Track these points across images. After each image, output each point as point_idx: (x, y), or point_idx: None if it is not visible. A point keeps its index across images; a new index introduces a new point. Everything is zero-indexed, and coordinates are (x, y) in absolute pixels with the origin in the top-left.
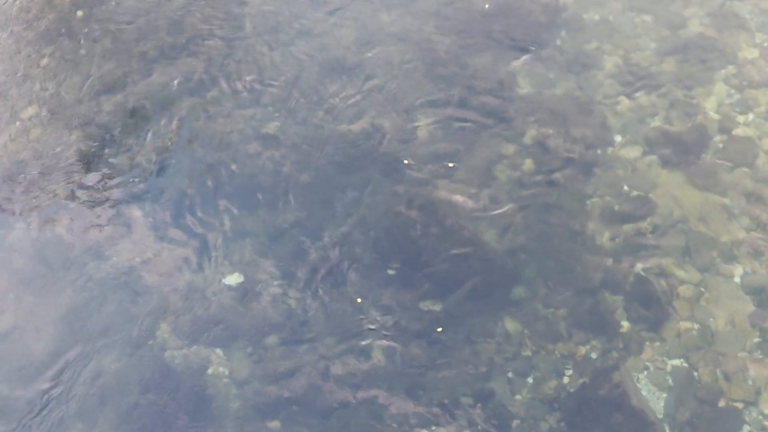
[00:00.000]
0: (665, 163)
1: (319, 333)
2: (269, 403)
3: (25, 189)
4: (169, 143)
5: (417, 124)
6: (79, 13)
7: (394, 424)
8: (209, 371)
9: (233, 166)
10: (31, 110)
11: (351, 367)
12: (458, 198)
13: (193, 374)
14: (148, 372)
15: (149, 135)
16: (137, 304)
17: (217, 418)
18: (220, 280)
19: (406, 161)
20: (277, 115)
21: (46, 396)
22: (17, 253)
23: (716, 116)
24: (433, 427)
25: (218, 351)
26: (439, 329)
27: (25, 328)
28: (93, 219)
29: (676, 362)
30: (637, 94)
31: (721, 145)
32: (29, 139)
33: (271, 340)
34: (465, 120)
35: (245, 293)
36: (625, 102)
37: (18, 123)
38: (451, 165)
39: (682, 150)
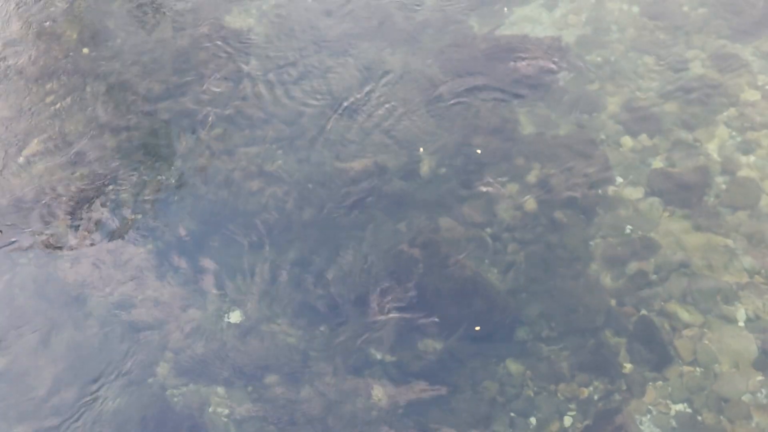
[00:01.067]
0: (667, 203)
1: (320, 371)
2: None
3: (27, 224)
4: (173, 181)
5: (420, 161)
6: (85, 50)
7: None
8: (209, 410)
9: (237, 204)
10: (35, 146)
11: (352, 407)
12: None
13: (193, 413)
14: (148, 410)
15: (153, 172)
16: (137, 341)
17: None
18: (222, 318)
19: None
20: (280, 152)
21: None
22: (18, 290)
23: (718, 158)
24: None
25: (218, 389)
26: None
27: (26, 365)
28: (95, 256)
29: (680, 406)
30: (639, 135)
31: (723, 187)
32: (32, 174)
33: (271, 378)
34: (468, 159)
35: (246, 331)
36: (627, 142)
37: (22, 158)
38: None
39: (685, 191)
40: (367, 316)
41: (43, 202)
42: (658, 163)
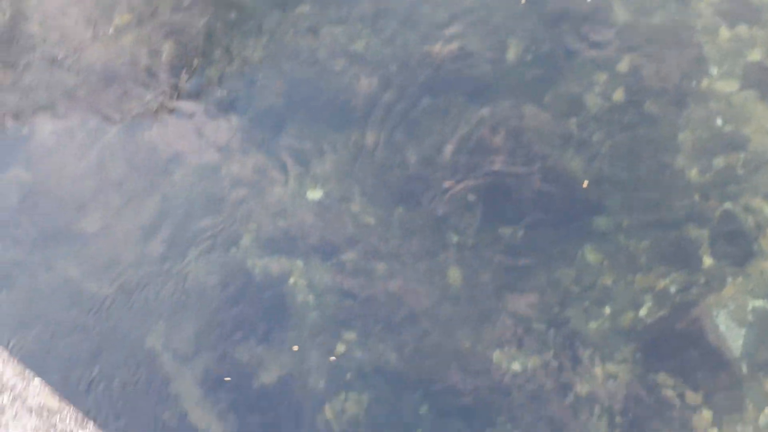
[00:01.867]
0: (762, 97)
1: (397, 251)
2: (346, 315)
3: (116, 94)
4: (258, 58)
5: (506, 46)
6: None
7: (467, 343)
8: (289, 281)
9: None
10: (126, 17)
11: (426, 286)
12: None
13: (273, 284)
14: (230, 279)
15: (239, 49)
16: (221, 212)
17: (295, 326)
18: (303, 195)
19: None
20: (365, 32)
21: (130, 294)
22: (108, 157)
23: None
24: (506, 348)
25: (298, 262)
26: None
27: (113, 229)
28: (181, 127)
29: (759, 302)
30: (737, 26)
31: None
32: (122, 45)
33: (349, 255)
34: (557, 44)
35: (326, 208)
36: (724, 33)
37: (112, 30)
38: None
39: None
40: (446, 199)
41: (131, 73)
42: (755, 55)
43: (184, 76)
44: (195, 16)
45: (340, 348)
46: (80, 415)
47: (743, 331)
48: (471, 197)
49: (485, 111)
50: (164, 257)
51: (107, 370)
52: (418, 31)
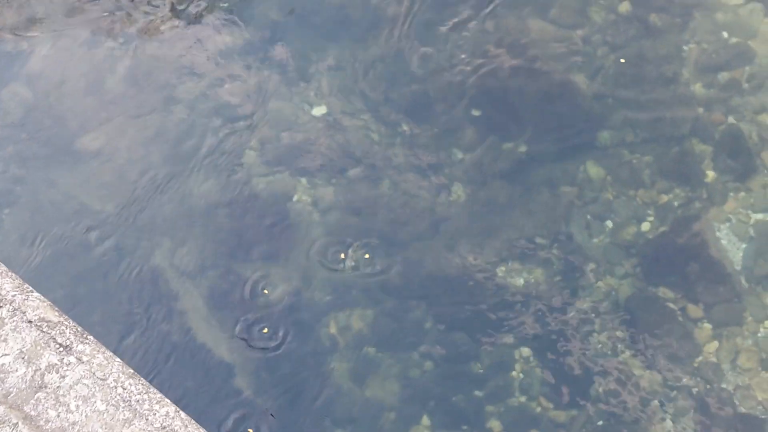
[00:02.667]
0: None
1: (401, 167)
2: (350, 233)
3: (116, 8)
4: None
5: None
6: None
7: (470, 258)
8: (294, 198)
9: None
10: None
11: (430, 202)
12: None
13: (278, 201)
14: (234, 196)
15: None
16: (225, 129)
17: (300, 243)
18: (307, 110)
19: None
20: None
21: (135, 212)
22: (107, 73)
23: None
24: (509, 264)
25: (302, 180)
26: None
27: (116, 147)
28: (182, 42)
29: (760, 215)
30: None
31: None
32: None
33: (354, 171)
34: None
35: (330, 125)
36: None
37: None
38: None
39: None
40: (450, 115)
41: None
42: None
43: None
44: None
45: (343, 267)
46: (80, 329)
47: (744, 245)
48: (475, 113)
49: (490, 24)
50: (168, 174)
51: (110, 288)
52: None
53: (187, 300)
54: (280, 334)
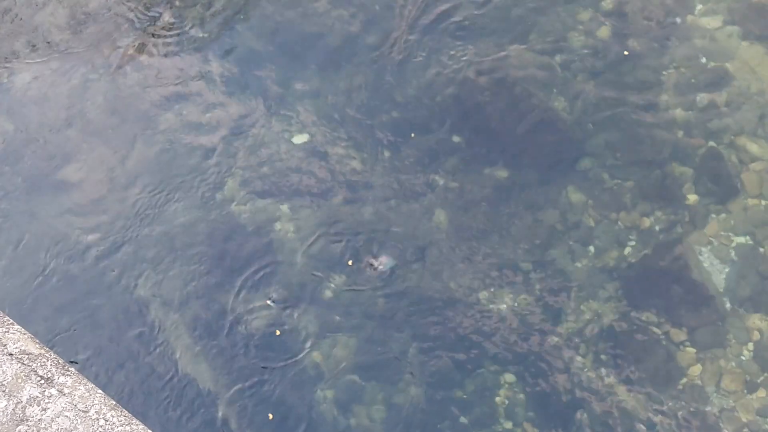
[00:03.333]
0: (746, 34)
1: (383, 195)
2: (333, 260)
3: (96, 40)
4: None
5: None
6: None
7: (452, 284)
8: (275, 226)
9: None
10: None
11: (412, 228)
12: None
13: (260, 229)
14: (215, 225)
15: None
16: (206, 158)
17: (283, 272)
18: (288, 138)
19: None
20: None
21: (117, 242)
22: (89, 103)
23: None
24: (492, 290)
25: (284, 207)
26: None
27: (98, 178)
28: (163, 72)
29: (741, 239)
30: None
31: None
32: None
33: (336, 198)
34: None
35: (311, 152)
36: None
37: None
38: None
39: (765, 21)
40: (431, 143)
41: (111, 17)
42: None
43: (164, 18)
44: None
45: (327, 294)
46: (62, 361)
47: (726, 268)
48: (456, 138)
49: (470, 51)
50: (150, 205)
51: (94, 318)
52: None
53: (171, 330)
54: (266, 361)
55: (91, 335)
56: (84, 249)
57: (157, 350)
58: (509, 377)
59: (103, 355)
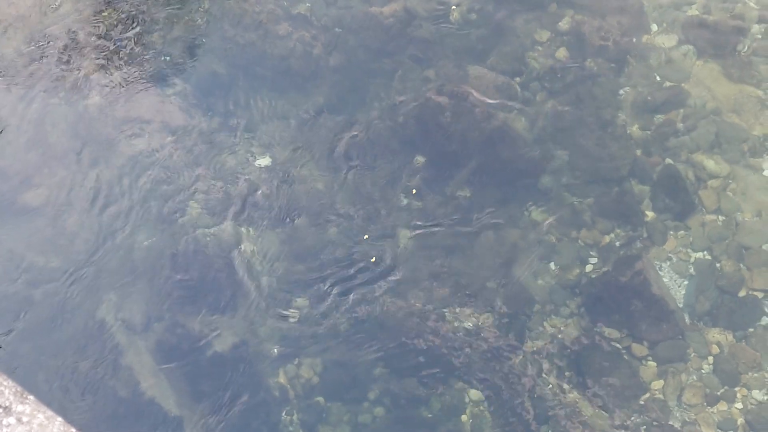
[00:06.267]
0: (701, 53)
1: (347, 215)
2: (298, 281)
3: (57, 64)
4: (201, 22)
5: (450, 7)
6: None
7: (418, 304)
8: (239, 249)
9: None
10: None
11: (377, 249)
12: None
13: (223, 251)
14: (179, 249)
15: (181, 13)
16: (169, 182)
17: (247, 294)
18: (251, 162)
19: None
20: None
21: (79, 267)
22: (50, 127)
23: (755, 5)
24: (456, 308)
25: (248, 230)
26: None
27: (60, 202)
28: (125, 95)
29: (700, 254)
30: None
31: (759, 36)
32: (59, 14)
33: (300, 220)
34: (500, 5)
35: (275, 175)
36: None
37: None
38: None
39: (719, 40)
40: (394, 162)
41: (72, 41)
42: (693, 10)
43: (125, 42)
44: None
45: (292, 316)
46: (20, 389)
47: (685, 283)
48: (419, 159)
49: (430, 72)
50: (112, 228)
51: (55, 344)
52: None
53: (134, 354)
54: (231, 384)
55: (52, 361)
56: (45, 274)
57: (120, 375)
58: (474, 395)
59: (64, 381)
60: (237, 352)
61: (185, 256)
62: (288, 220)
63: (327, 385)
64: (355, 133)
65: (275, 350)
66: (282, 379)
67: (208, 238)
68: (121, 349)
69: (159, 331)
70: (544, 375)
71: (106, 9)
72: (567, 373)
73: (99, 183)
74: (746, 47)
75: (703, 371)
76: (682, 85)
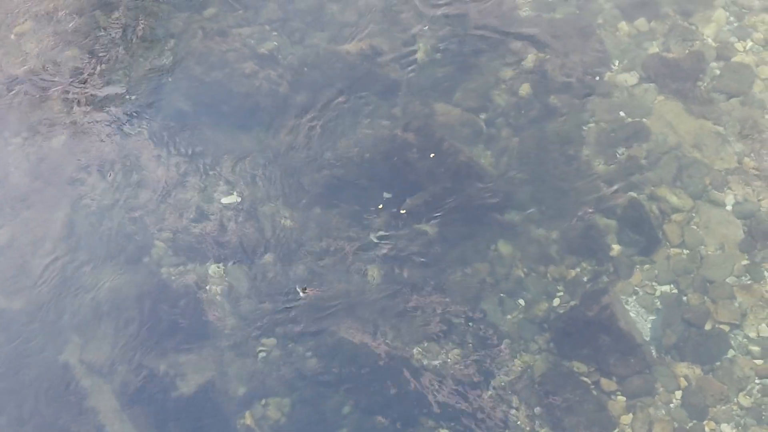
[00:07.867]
0: (662, 89)
1: (315, 252)
2: (265, 320)
3: (20, 104)
4: (166, 61)
5: (415, 47)
6: None
7: (387, 341)
8: (206, 288)
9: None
10: (27, 25)
11: (345, 286)
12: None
13: (189, 291)
14: (143, 288)
15: (146, 52)
16: (133, 221)
17: (214, 334)
18: (217, 200)
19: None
20: (274, 34)
21: (42, 308)
22: (13, 168)
23: (714, 43)
24: (425, 344)
25: (214, 268)
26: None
27: (22, 241)
28: (89, 135)
29: (665, 287)
30: (636, 20)
31: (717, 72)
32: (25, 53)
33: (267, 257)
34: (464, 43)
35: (241, 212)
36: (624, 27)
37: (13, 37)
38: None
39: (679, 77)
40: (361, 199)
41: (35, 79)
42: (654, 48)
43: (89, 82)
44: (98, 21)
45: (260, 354)
46: None
47: (651, 317)
48: (387, 195)
49: (397, 109)
50: (76, 269)
51: (16, 387)
52: (327, 31)
53: (98, 397)
54: (197, 425)
55: (12, 404)
56: (7, 316)
57: (83, 417)
58: None
59: (27, 425)
60: (203, 393)
61: (150, 296)
62: (255, 257)
63: (295, 425)
64: (321, 170)
65: (241, 390)
66: (249, 421)
67: (174, 277)
68: (84, 392)
69: (123, 372)
70: (514, 410)
71: (72, 48)
72: (537, 409)
73: (62, 223)
74: (706, 83)
75: (671, 405)
76: (644, 120)
